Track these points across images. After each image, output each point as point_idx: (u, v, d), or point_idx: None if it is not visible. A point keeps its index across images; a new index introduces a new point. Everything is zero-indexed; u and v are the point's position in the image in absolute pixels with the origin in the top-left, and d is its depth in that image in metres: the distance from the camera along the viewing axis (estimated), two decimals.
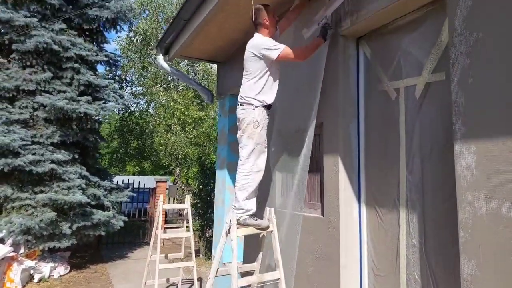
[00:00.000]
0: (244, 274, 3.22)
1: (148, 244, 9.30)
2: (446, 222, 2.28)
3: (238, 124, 3.22)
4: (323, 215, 3.12)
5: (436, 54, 2.48)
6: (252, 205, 3.11)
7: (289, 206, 3.45)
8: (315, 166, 3.29)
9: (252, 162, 3.08)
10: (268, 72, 3.14)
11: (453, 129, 2.06)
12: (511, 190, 1.76)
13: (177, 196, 12.16)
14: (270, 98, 3.15)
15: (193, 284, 5.25)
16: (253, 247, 3.99)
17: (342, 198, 2.95)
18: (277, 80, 3.23)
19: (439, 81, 2.44)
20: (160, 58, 5.62)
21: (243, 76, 3.24)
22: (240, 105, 3.17)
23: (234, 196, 3.16)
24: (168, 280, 5.12)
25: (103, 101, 7.45)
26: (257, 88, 3.11)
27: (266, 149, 3.21)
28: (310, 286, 3.15)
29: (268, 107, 3.17)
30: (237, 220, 3.04)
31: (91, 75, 7.41)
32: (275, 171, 3.87)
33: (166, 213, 9.95)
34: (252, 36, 3.28)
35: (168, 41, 5.30)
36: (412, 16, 2.67)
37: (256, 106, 3.09)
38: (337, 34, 3.12)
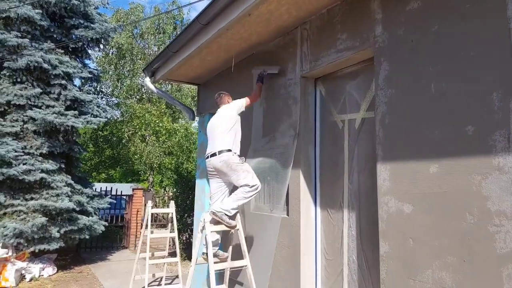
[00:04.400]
0: (218, 262, 4.07)
1: (126, 248, 9.91)
2: (373, 218, 3.23)
3: (219, 171, 4.03)
4: (288, 215, 4.02)
5: (369, 97, 3.45)
6: (234, 212, 3.91)
7: (267, 209, 4.34)
8: (283, 177, 4.17)
9: (255, 181, 3.90)
10: (239, 129, 4.18)
11: (376, 153, 3.02)
12: (409, 195, 2.72)
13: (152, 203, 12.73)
14: (238, 150, 4.13)
15: (175, 278, 6.02)
16: (228, 241, 4.85)
17: (303, 202, 3.87)
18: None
19: (371, 117, 3.41)
20: (147, 80, 6.36)
21: (217, 131, 4.11)
22: (218, 154, 3.98)
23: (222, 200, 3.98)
24: (153, 275, 5.84)
25: (88, 114, 8.07)
26: (234, 141, 4.09)
27: None
28: (277, 270, 4.03)
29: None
30: (216, 212, 3.84)
31: (77, 90, 8.03)
32: None
33: (142, 218, 10.54)
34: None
35: (155, 67, 6.06)
36: (353, 68, 3.65)
37: (235, 153, 4.03)
38: (300, 76, 4.06)
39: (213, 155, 4.04)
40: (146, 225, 5.64)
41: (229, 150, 3.98)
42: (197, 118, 7.00)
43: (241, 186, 3.91)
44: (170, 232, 5.84)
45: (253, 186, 3.87)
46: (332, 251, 3.70)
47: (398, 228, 2.78)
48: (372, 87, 3.40)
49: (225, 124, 4.08)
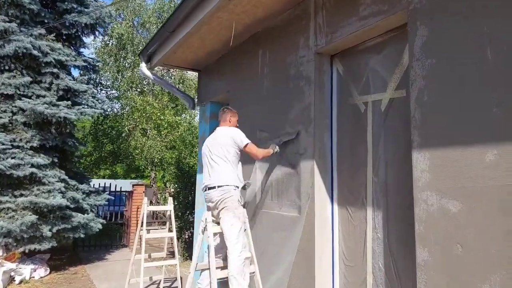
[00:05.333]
0: (221, 268, 3.52)
1: (126, 246, 9.42)
2: (405, 218, 2.68)
3: (213, 204, 3.47)
4: (299, 214, 3.47)
5: (399, 73, 2.89)
6: (247, 283, 3.27)
7: (276, 207, 3.79)
8: (293, 170, 3.63)
9: (242, 241, 3.30)
10: (239, 159, 3.61)
11: (411, 139, 2.45)
12: (456, 190, 2.16)
13: (153, 200, 12.24)
14: (240, 183, 3.56)
15: (175, 280, 5.50)
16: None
17: (317, 199, 3.32)
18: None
19: (401, 97, 2.85)
20: (143, 66, 5.82)
21: (216, 160, 3.52)
22: (218, 187, 3.42)
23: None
24: (151, 279, 5.33)
25: (82, 105, 7.54)
26: (236, 173, 3.51)
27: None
28: (289, 278, 3.48)
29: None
30: None
31: (70, 80, 7.50)
32: (257, 174, 4.19)
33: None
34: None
35: (151, 50, 5.52)
36: (379, 40, 3.08)
37: (237, 187, 3.45)
38: (314, 52, 3.49)
39: (212, 188, 3.47)
40: (142, 224, 5.12)
41: (229, 185, 3.42)
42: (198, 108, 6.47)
43: (231, 246, 3.29)
44: (169, 231, 5.31)
45: (231, 242, 3.27)
46: (352, 256, 3.14)
47: (442, 231, 2.22)
48: (403, 61, 2.83)
49: (226, 153, 3.50)
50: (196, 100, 6.40)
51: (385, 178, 2.90)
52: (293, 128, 3.65)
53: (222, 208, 3.40)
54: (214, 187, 3.45)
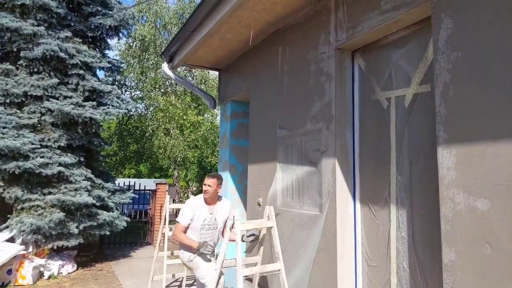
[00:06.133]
0: (247, 266, 3.52)
1: (150, 244, 9.57)
2: (430, 216, 2.59)
3: None
4: (321, 212, 3.42)
5: (423, 68, 2.80)
6: None
7: (297, 206, 3.76)
8: (315, 168, 3.58)
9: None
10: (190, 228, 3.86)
11: (436, 135, 2.37)
12: (485, 188, 2.07)
13: (176, 198, 12.44)
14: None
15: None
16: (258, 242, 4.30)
17: (339, 197, 3.26)
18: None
19: (425, 92, 2.76)
20: (165, 66, 5.90)
21: None
22: None
23: None
24: (173, 276, 5.38)
25: (107, 106, 7.71)
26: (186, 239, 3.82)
27: None
28: (310, 277, 3.44)
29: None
30: None
31: (95, 81, 7.68)
32: (279, 172, 4.16)
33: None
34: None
35: (172, 50, 5.57)
36: (402, 34, 2.99)
37: (182, 250, 3.84)
38: (334, 48, 3.43)
39: None
40: (165, 221, 5.17)
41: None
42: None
43: None
44: None
45: None
46: (376, 256, 3.07)
47: (469, 230, 2.13)
48: (427, 54, 2.75)
49: None
50: (217, 99, 6.43)
51: (410, 176, 2.82)
52: (314, 125, 3.61)
53: None
54: None
